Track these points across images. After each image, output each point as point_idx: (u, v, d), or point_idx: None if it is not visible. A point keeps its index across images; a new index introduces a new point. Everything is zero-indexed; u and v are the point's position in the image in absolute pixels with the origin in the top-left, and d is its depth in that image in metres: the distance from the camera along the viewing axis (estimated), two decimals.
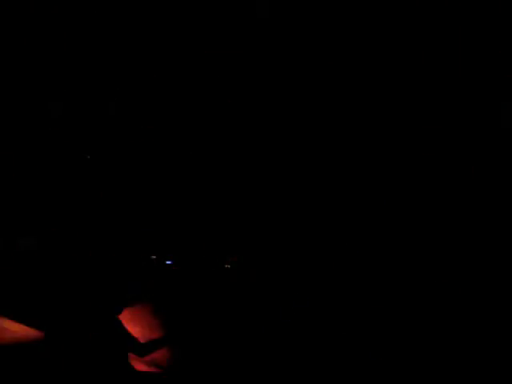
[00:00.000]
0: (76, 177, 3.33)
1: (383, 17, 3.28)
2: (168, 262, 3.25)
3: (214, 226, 3.33)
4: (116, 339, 3.03)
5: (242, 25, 3.35)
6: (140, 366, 2.98)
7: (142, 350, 3.02)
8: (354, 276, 3.26)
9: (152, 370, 2.97)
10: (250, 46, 3.36)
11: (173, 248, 3.29)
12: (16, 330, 2.91)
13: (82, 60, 3.38)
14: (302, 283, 3.26)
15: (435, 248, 3.23)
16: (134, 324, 3.08)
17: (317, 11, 3.32)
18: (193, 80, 3.39)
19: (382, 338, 3.15)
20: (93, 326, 3.08)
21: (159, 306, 3.16)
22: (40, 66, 3.36)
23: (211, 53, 3.37)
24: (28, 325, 2.91)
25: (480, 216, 3.20)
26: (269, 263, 3.29)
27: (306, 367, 3.15)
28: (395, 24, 3.27)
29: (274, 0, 3.32)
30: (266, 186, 3.35)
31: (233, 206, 3.34)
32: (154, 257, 3.27)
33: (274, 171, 3.35)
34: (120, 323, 3.07)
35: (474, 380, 3.02)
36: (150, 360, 2.99)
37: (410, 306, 3.17)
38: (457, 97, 3.25)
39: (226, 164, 3.37)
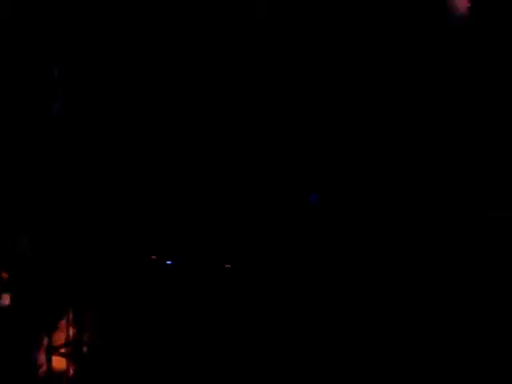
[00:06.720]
0: (75, 176, 3.34)
1: (383, 16, 3.28)
2: (168, 262, 3.26)
3: (214, 226, 3.34)
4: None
5: (242, 25, 3.35)
6: None
7: None
8: (354, 276, 3.27)
9: None
10: (249, 45, 3.36)
11: (173, 248, 3.30)
12: None
13: (83, 58, 3.40)
14: (301, 283, 3.27)
15: (435, 248, 3.23)
16: None
17: (317, 11, 3.32)
18: (192, 80, 3.40)
19: (382, 338, 3.16)
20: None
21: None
22: (40, 65, 3.37)
23: (211, 52, 3.38)
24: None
25: (480, 216, 3.20)
26: (268, 263, 3.30)
27: (305, 367, 3.16)
28: (395, 24, 3.27)
29: (274, 0, 3.33)
30: (265, 186, 3.35)
31: (232, 206, 3.35)
32: (154, 257, 3.27)
33: (273, 171, 3.36)
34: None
35: (474, 380, 3.03)
36: None
37: (410, 306, 3.18)
38: (457, 96, 3.26)
39: (225, 164, 3.38)
